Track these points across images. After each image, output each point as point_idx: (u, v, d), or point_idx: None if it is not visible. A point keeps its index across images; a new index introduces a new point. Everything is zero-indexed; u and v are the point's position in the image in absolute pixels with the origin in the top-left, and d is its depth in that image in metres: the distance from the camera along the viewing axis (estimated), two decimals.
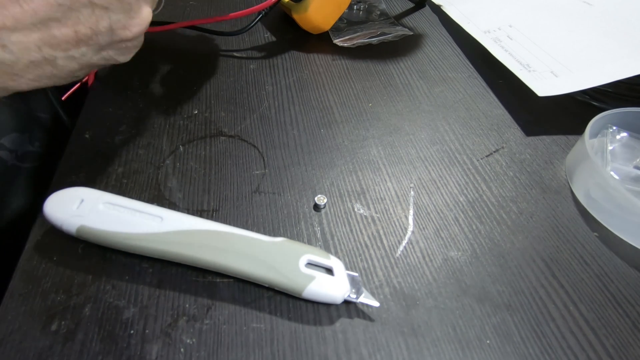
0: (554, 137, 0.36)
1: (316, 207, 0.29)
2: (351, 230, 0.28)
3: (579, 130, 0.33)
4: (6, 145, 0.36)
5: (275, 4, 0.41)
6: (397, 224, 0.28)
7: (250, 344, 0.22)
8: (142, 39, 0.28)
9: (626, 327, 0.24)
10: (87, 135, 0.33)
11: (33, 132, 0.38)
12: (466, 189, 0.31)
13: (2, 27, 0.20)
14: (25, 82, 0.23)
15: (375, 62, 0.43)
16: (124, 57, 0.27)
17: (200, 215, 0.28)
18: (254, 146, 0.33)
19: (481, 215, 0.29)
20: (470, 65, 0.43)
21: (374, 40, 0.45)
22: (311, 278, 0.23)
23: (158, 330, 0.23)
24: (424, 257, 0.27)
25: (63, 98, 0.40)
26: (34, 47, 0.22)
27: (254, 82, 0.40)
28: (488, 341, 0.23)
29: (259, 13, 0.43)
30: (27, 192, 0.37)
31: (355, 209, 0.29)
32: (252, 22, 0.44)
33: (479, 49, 0.43)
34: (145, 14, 0.26)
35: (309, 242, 0.27)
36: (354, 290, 0.23)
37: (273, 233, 0.28)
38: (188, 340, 0.22)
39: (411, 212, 0.29)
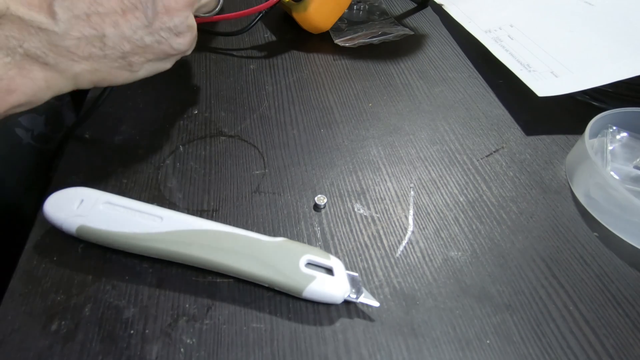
0: (554, 137, 0.36)
1: (316, 207, 0.29)
2: (351, 230, 0.28)
3: (579, 130, 0.33)
4: (23, 123, 0.36)
5: (275, 4, 0.41)
6: (397, 224, 0.28)
7: (250, 344, 0.22)
8: (191, 17, 0.27)
9: (626, 327, 0.24)
10: (87, 135, 0.33)
11: (48, 115, 0.39)
12: (466, 189, 0.31)
13: None
14: (82, 68, 0.22)
15: (376, 62, 0.43)
16: (178, 42, 0.26)
17: (200, 215, 0.28)
18: (254, 146, 0.33)
19: (481, 215, 0.29)
20: (471, 65, 0.43)
21: (375, 40, 0.45)
22: (311, 278, 0.23)
23: (158, 330, 0.23)
24: (424, 257, 0.27)
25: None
26: (83, 14, 0.21)
27: (254, 82, 0.40)
28: (488, 341, 0.23)
29: (259, 13, 0.43)
30: (36, 172, 0.38)
31: (355, 209, 0.29)
32: (252, 22, 0.44)
33: (479, 49, 0.43)
34: None
35: (309, 242, 0.27)
36: (354, 290, 0.23)
37: (273, 233, 0.28)
38: (188, 340, 0.22)
39: (411, 212, 0.29)
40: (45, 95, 0.23)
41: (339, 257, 0.26)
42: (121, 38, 0.23)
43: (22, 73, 0.21)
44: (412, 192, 0.31)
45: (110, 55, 0.24)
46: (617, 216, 0.28)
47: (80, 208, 0.25)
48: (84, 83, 0.24)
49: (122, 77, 0.25)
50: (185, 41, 0.27)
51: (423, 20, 0.50)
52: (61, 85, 0.23)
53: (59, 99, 0.43)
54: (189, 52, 0.29)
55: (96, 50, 0.23)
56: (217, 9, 0.34)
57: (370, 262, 0.26)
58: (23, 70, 0.21)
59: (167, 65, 0.29)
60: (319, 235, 0.28)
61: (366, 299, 0.23)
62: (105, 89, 0.32)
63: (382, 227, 0.28)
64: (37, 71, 0.21)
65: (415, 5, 0.53)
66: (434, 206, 0.30)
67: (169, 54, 0.27)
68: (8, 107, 0.21)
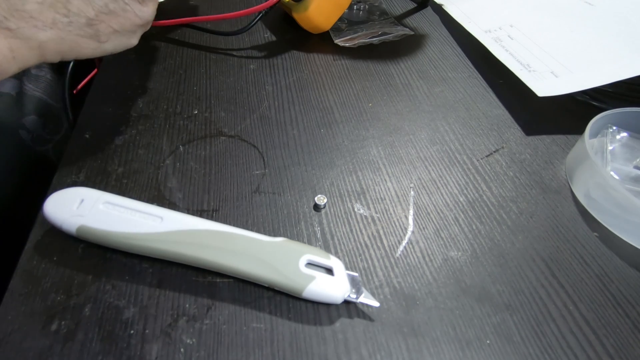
0: (554, 137, 0.36)
1: (316, 207, 0.29)
2: (351, 230, 0.28)
3: (579, 130, 0.33)
4: (27, 125, 0.37)
5: (275, 4, 0.41)
6: (397, 224, 0.28)
7: (250, 344, 0.22)
8: None
9: (626, 327, 0.24)
10: (87, 135, 0.33)
11: (47, 118, 0.39)
12: (466, 189, 0.31)
13: None
14: (47, 36, 0.22)
15: (376, 62, 0.43)
16: (142, 9, 0.26)
17: (200, 215, 0.28)
18: (254, 146, 0.33)
19: (481, 215, 0.29)
20: (471, 65, 0.43)
21: (375, 40, 0.45)
22: (311, 278, 0.23)
23: (158, 330, 0.23)
24: (424, 257, 0.27)
25: (75, 91, 0.41)
26: None
27: (254, 82, 0.40)
28: (488, 341, 0.23)
29: (259, 13, 0.43)
30: (36, 173, 0.38)
31: (355, 209, 0.29)
32: (252, 21, 0.44)
33: (479, 49, 0.43)
34: None
35: (309, 242, 0.27)
36: (354, 290, 0.23)
37: (273, 233, 0.28)
38: (188, 340, 0.22)
39: (411, 212, 0.29)
40: (11, 66, 0.22)
41: (339, 257, 0.26)
42: (85, 3, 0.23)
43: None
44: (412, 192, 0.31)
45: (75, 23, 0.23)
46: (617, 216, 0.28)
47: (80, 208, 0.25)
48: (51, 54, 0.23)
49: (89, 47, 0.25)
50: (148, 10, 0.27)
51: (423, 20, 0.50)
52: (27, 55, 0.22)
53: (57, 101, 0.43)
54: (149, 25, 0.29)
55: (60, 16, 0.22)
56: None
57: (370, 262, 0.26)
58: None
59: (132, 40, 0.28)
60: (319, 235, 0.28)
61: (366, 299, 0.23)
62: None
63: (382, 227, 0.28)
64: (1, 39, 0.21)
65: (415, 5, 0.53)
66: (434, 206, 0.30)
67: (134, 23, 0.27)
68: None
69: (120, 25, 0.26)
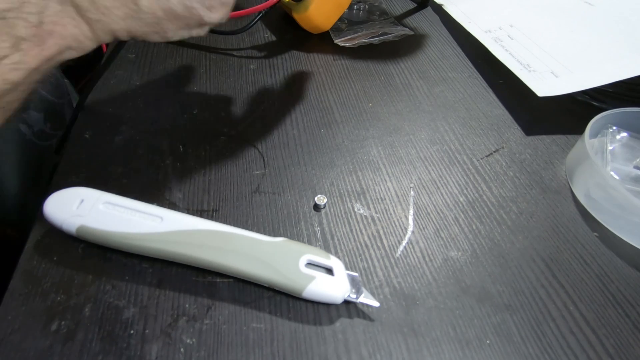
0: (554, 137, 0.36)
1: (316, 207, 0.29)
2: (351, 230, 0.28)
3: (579, 130, 0.33)
4: (27, 120, 0.37)
5: (275, 4, 0.41)
6: (397, 224, 0.28)
7: (250, 344, 0.22)
8: None
9: (626, 327, 0.24)
10: (87, 135, 0.33)
11: (47, 112, 0.39)
12: (466, 189, 0.31)
13: None
14: (119, 26, 0.25)
15: (376, 62, 0.43)
16: (210, 15, 0.28)
17: (200, 215, 0.28)
18: (254, 146, 0.33)
19: (481, 215, 0.29)
20: (470, 65, 0.43)
21: (375, 40, 0.45)
22: (311, 278, 0.23)
23: (158, 330, 0.23)
24: (424, 257, 0.27)
25: (77, 88, 0.42)
26: None
27: (254, 82, 0.40)
28: (488, 341, 0.23)
29: (259, 13, 0.43)
30: (37, 169, 0.38)
31: (355, 209, 0.29)
32: (252, 21, 0.44)
33: (479, 49, 0.43)
34: None
35: (309, 242, 0.27)
36: (354, 290, 0.23)
37: (273, 233, 0.28)
38: (188, 340, 0.22)
39: (411, 212, 0.29)
40: (90, 45, 0.25)
41: (339, 257, 0.26)
42: (154, 4, 0.25)
43: (68, 21, 0.23)
44: (412, 192, 0.31)
45: (144, 19, 0.25)
46: (617, 216, 0.28)
47: (80, 208, 0.25)
48: (122, 36, 0.26)
49: (155, 37, 0.27)
50: (216, 15, 0.28)
51: (423, 20, 0.50)
52: (102, 37, 0.25)
53: (59, 97, 0.43)
54: (222, 22, 0.30)
55: (131, 12, 0.25)
56: None
57: (370, 262, 0.26)
58: (70, 19, 0.23)
59: (200, 32, 0.29)
60: (319, 235, 0.28)
61: (366, 299, 0.23)
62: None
63: (382, 227, 0.28)
64: (81, 22, 0.24)
65: (415, 5, 0.53)
66: (434, 206, 0.30)
67: (200, 24, 0.28)
68: (55, 50, 0.23)
69: (187, 25, 0.28)
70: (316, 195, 0.30)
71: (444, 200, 0.30)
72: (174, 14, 0.26)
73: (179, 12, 0.26)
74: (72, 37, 0.24)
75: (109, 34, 0.25)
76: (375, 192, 0.30)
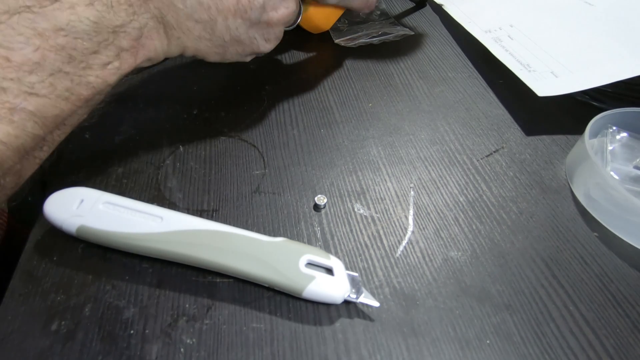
0: (554, 137, 0.36)
1: (316, 207, 0.29)
2: (351, 230, 0.28)
3: (579, 130, 0.33)
4: None
5: None
6: (397, 224, 0.28)
7: (250, 344, 0.22)
8: (282, 30, 0.34)
9: (626, 327, 0.24)
10: (87, 135, 0.33)
11: None
12: (466, 189, 0.31)
13: None
14: (191, 45, 0.29)
15: (375, 62, 0.43)
16: (265, 46, 0.33)
17: (200, 215, 0.28)
18: (254, 146, 0.33)
19: (481, 215, 0.29)
20: (470, 65, 0.43)
21: (375, 40, 0.45)
22: (311, 278, 0.23)
23: (158, 330, 0.23)
24: (424, 257, 0.27)
25: None
26: (205, 3, 0.27)
27: (254, 82, 0.40)
28: (488, 341, 0.23)
29: None
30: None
31: (355, 209, 0.29)
32: None
33: (479, 48, 0.43)
34: (292, 4, 0.32)
35: (309, 242, 0.27)
36: (354, 290, 0.23)
37: (273, 233, 0.28)
38: (188, 340, 0.22)
39: (411, 212, 0.29)
40: (162, 56, 0.29)
41: (339, 257, 0.26)
42: (226, 30, 0.29)
43: (155, 36, 0.27)
44: (412, 192, 0.31)
45: (214, 42, 0.30)
46: (617, 216, 0.28)
47: (80, 208, 0.25)
48: (189, 53, 0.30)
49: (214, 58, 0.32)
50: (269, 46, 0.34)
51: (423, 20, 0.50)
52: (174, 50, 0.29)
53: None
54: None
55: (205, 34, 0.29)
56: (294, 25, 0.38)
57: (370, 262, 0.26)
58: (157, 34, 0.27)
59: (247, 59, 0.35)
60: (319, 235, 0.28)
61: (366, 299, 0.23)
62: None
63: (382, 227, 0.28)
64: (164, 38, 0.28)
65: (414, 5, 0.53)
66: (434, 206, 0.30)
67: (253, 52, 0.33)
68: (142, 60, 0.27)
69: (243, 51, 0.32)
70: (316, 195, 0.30)
71: (444, 200, 0.30)
72: (238, 41, 0.31)
73: (243, 40, 0.31)
74: (155, 50, 0.27)
75: (180, 50, 0.29)
76: (375, 192, 0.30)
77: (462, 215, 0.29)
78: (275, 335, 0.23)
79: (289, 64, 0.42)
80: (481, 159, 0.33)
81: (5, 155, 0.21)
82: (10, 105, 0.20)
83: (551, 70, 0.38)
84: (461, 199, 0.30)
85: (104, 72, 0.24)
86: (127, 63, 0.25)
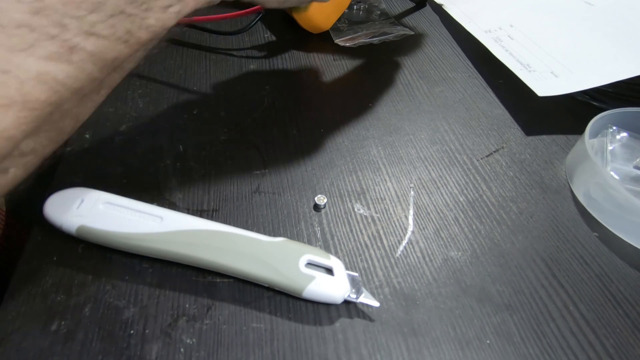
0: (554, 137, 0.36)
1: (316, 207, 0.29)
2: (351, 230, 0.28)
3: (579, 130, 0.33)
4: None
5: None
6: (397, 224, 0.28)
7: (250, 344, 0.22)
8: None
9: (626, 327, 0.24)
10: (87, 135, 0.33)
11: None
12: (466, 189, 0.31)
13: None
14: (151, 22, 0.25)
15: (376, 62, 0.43)
16: None
17: (200, 215, 0.28)
18: (254, 146, 0.33)
19: (481, 215, 0.29)
20: (470, 65, 0.43)
21: (375, 40, 0.45)
22: (311, 278, 0.23)
23: (158, 330, 0.23)
24: (424, 257, 0.27)
25: None
26: None
27: (254, 82, 0.40)
28: (488, 341, 0.23)
29: (259, 13, 0.43)
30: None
31: (355, 209, 0.29)
32: (252, 21, 0.44)
33: (479, 48, 0.43)
34: None
35: (309, 242, 0.27)
36: (354, 290, 0.23)
37: (273, 233, 0.28)
38: (188, 340, 0.22)
39: (411, 212, 0.29)
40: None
41: (339, 257, 0.26)
42: None
43: None
44: (412, 192, 0.31)
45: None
46: (617, 216, 0.28)
47: (80, 208, 0.25)
48: None
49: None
50: None
51: (423, 20, 0.50)
52: None
53: None
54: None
55: None
56: None
57: (370, 262, 0.26)
58: None
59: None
60: (319, 235, 0.28)
61: (366, 299, 0.23)
62: None
63: (382, 227, 0.28)
64: None
65: (414, 5, 0.53)
66: (434, 206, 0.30)
67: None
68: (203, 2, 0.25)
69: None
70: (316, 195, 0.30)
71: (444, 200, 0.30)
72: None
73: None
74: None
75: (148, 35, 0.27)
76: (375, 192, 0.30)
77: (462, 215, 0.29)
78: (275, 335, 0.23)
79: (289, 64, 0.42)
80: (481, 159, 0.33)
81: (64, 97, 0.20)
82: (71, 43, 0.20)
83: (551, 70, 0.38)
84: (461, 199, 0.30)
85: (164, 14, 0.23)
86: (189, 6, 0.24)
